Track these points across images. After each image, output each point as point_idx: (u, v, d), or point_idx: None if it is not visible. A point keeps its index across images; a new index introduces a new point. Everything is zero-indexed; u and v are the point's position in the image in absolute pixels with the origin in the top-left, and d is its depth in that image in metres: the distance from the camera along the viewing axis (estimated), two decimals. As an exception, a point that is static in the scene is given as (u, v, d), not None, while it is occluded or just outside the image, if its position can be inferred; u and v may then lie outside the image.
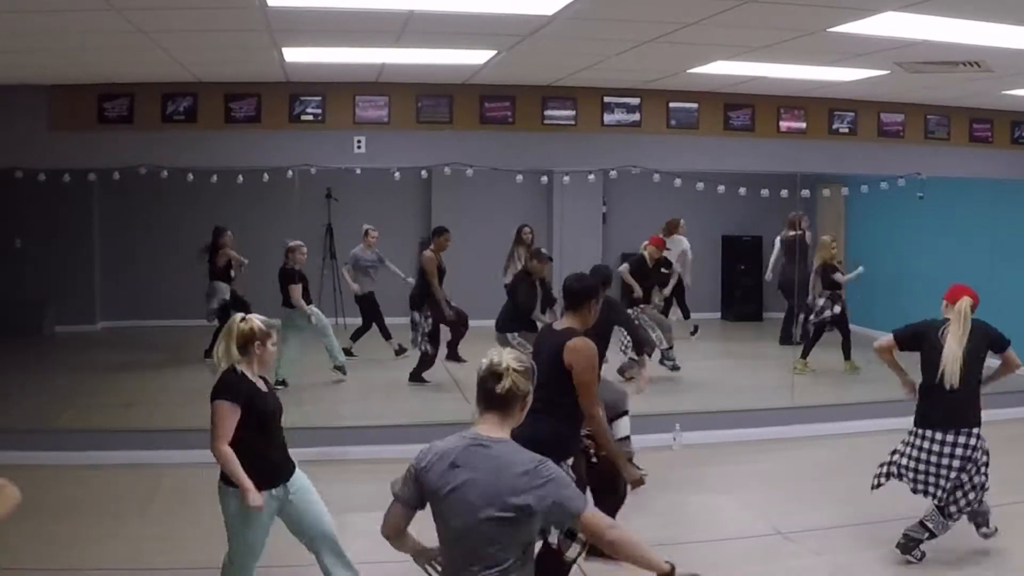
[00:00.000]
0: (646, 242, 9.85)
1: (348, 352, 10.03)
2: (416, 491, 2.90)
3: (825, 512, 6.25)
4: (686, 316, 11.50)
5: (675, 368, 9.84)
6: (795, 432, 8.16)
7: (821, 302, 9.98)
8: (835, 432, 8.18)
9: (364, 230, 10.29)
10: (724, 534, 5.96)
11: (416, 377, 9.26)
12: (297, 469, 4.33)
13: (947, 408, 5.18)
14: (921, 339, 5.34)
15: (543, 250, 8.89)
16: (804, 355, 10.05)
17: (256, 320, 4.25)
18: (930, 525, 5.26)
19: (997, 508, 5.44)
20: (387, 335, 10.34)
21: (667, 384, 9.51)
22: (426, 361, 9.23)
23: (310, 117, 8.19)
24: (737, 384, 9.75)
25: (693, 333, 11.41)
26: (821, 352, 10.15)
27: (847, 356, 10.06)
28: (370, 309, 10.27)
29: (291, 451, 4.40)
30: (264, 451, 4.18)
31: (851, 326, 10.15)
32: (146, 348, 11.14)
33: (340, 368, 9.40)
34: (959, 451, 5.12)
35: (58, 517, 6.03)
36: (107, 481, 6.82)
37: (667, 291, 10.10)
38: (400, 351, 10.22)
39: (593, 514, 2.81)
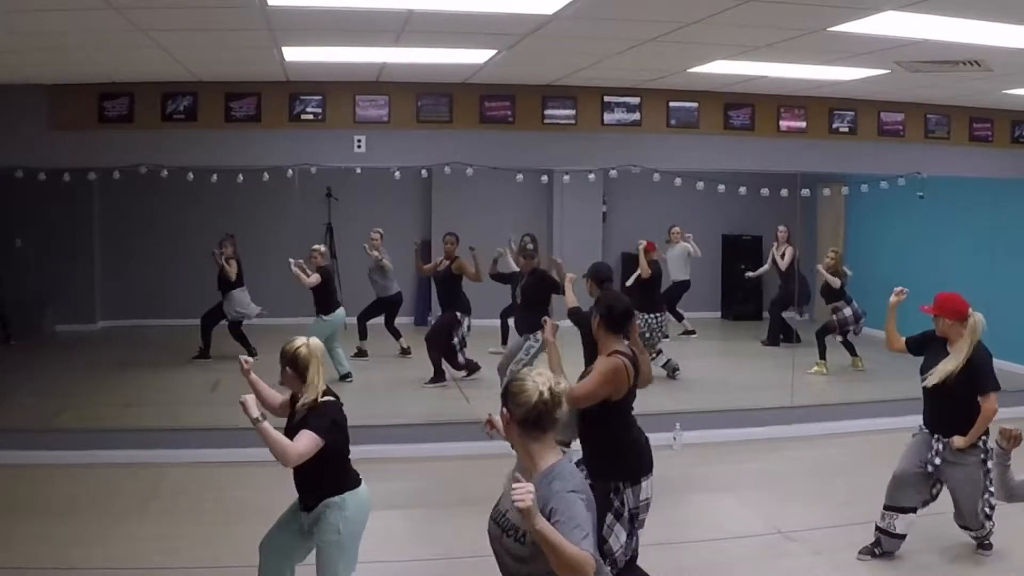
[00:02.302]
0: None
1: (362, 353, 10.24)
2: None
3: (825, 512, 6.25)
4: (679, 319, 11.52)
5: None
6: (795, 432, 8.16)
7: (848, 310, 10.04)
8: (835, 432, 8.18)
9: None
10: (724, 534, 5.95)
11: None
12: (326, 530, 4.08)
13: (929, 412, 5.36)
14: (927, 345, 5.41)
15: (528, 246, 8.94)
16: (822, 355, 10.11)
17: None
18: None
19: (998, 508, 5.43)
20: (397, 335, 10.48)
21: (667, 384, 9.51)
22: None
23: (310, 116, 8.19)
24: (737, 384, 9.75)
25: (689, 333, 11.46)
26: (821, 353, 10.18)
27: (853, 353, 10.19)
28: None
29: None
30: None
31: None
32: (146, 348, 11.13)
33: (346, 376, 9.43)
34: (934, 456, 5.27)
35: (58, 517, 6.03)
36: (107, 481, 6.82)
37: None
38: (405, 351, 10.30)
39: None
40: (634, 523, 4.48)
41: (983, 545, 5.46)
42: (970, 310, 5.23)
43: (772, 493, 6.75)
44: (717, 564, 5.47)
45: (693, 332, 11.62)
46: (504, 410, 2.92)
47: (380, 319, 10.46)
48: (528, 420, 2.85)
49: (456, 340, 9.29)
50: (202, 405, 8.49)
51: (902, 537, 5.39)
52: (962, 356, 5.13)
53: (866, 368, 10.02)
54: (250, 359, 4.31)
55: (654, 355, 9.49)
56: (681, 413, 8.08)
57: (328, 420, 3.97)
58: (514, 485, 2.57)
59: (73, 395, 8.95)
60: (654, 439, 7.45)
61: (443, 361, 9.31)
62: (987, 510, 5.26)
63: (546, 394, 2.84)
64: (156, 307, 11.81)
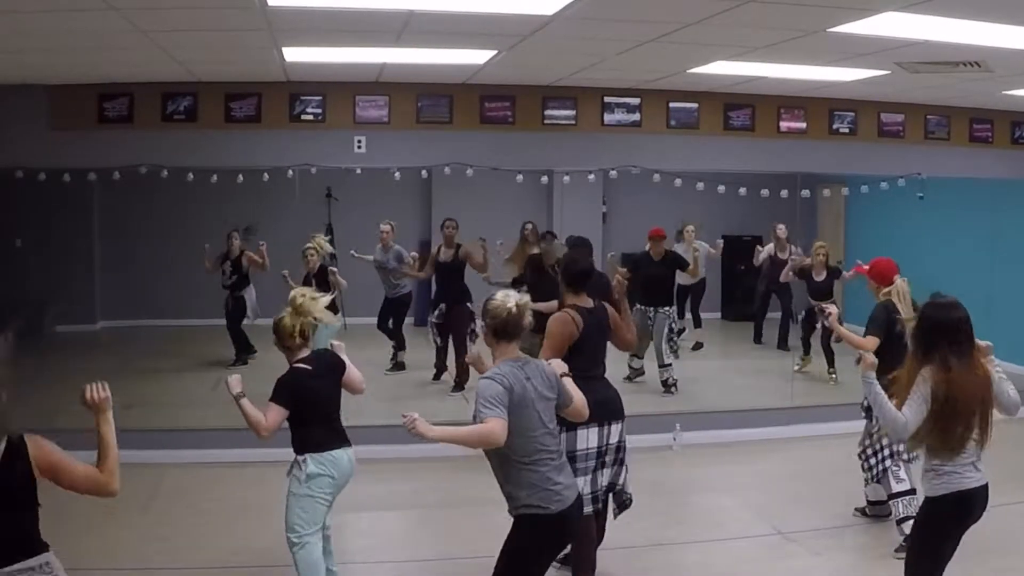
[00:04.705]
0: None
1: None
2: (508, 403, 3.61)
3: (825, 512, 6.25)
4: (697, 323, 11.44)
5: (636, 374, 9.50)
6: (795, 432, 8.15)
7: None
8: (835, 432, 8.16)
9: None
10: (724, 534, 5.95)
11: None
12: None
13: None
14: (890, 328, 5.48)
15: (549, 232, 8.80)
16: (807, 351, 10.11)
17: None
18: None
19: (998, 507, 5.41)
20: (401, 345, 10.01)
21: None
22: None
23: (310, 117, 8.21)
24: (737, 384, 9.73)
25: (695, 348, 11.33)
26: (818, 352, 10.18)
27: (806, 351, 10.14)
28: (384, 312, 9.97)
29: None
30: None
31: (850, 325, 10.13)
32: (146, 348, 11.11)
33: None
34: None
35: (58, 517, 6.01)
36: (107, 481, 6.81)
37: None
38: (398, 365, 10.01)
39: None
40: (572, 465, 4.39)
41: (900, 548, 5.29)
42: (897, 277, 5.37)
43: (772, 494, 6.75)
44: (717, 564, 5.46)
45: (701, 345, 11.47)
46: (483, 323, 3.70)
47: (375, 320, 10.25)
48: (500, 329, 3.67)
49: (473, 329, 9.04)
50: (202, 406, 8.47)
51: (913, 492, 5.36)
52: (910, 322, 5.18)
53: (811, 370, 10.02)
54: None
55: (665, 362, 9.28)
56: (681, 413, 8.09)
57: (286, 390, 4.37)
58: (402, 415, 3.36)
59: (73, 395, 8.87)
60: (654, 439, 7.59)
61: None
62: (872, 461, 5.54)
63: (513, 308, 3.67)
64: (156, 307, 11.79)
